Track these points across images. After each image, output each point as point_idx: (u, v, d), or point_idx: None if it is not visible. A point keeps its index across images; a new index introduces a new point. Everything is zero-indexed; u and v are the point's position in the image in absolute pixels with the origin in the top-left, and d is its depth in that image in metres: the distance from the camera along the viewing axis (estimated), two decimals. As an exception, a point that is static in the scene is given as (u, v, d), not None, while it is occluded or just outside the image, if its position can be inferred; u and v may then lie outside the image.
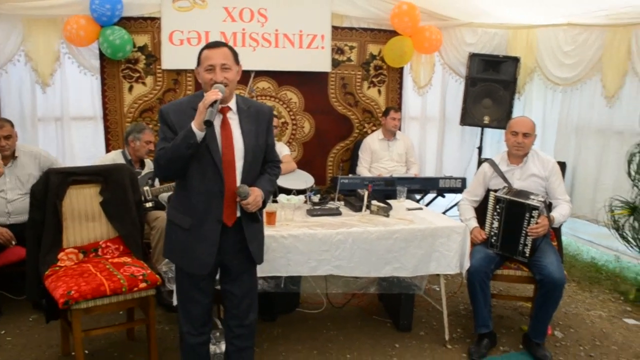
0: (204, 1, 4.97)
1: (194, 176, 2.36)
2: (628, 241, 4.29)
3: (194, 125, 2.22)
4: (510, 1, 5.12)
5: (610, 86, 4.69)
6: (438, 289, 4.01)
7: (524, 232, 3.19)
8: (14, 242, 3.54)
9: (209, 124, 2.20)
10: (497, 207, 3.26)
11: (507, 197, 3.22)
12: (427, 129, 5.78)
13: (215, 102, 2.22)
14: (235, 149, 2.37)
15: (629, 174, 4.20)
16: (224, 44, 2.39)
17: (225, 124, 2.38)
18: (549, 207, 3.37)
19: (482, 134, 5.47)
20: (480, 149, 5.43)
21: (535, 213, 3.13)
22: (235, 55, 2.39)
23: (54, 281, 2.85)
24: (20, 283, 3.42)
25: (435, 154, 5.82)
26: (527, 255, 3.23)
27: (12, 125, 3.75)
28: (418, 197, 4.84)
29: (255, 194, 2.39)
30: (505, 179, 3.46)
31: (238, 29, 5.04)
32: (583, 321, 3.88)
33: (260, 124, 2.49)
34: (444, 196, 4.77)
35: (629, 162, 4.18)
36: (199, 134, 2.23)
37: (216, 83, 2.29)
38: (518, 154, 3.52)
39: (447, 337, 3.44)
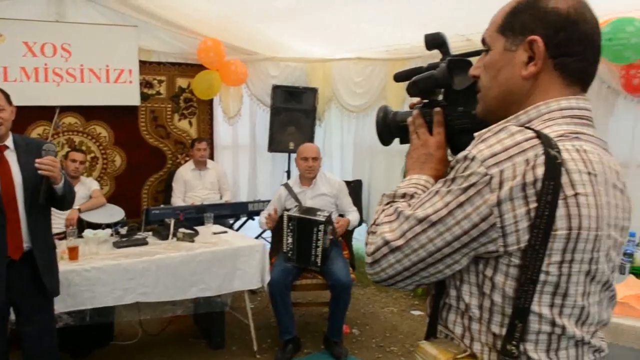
0: (1, 35, 4.80)
1: None
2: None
3: None
4: (307, 38, 5.69)
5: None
6: (252, 305, 4.32)
7: (314, 244, 3.62)
8: None
9: None
10: (290, 224, 3.65)
11: (297, 215, 3.63)
12: (239, 156, 6.10)
13: None
14: (15, 183, 2.44)
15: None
16: None
17: (2, 161, 2.44)
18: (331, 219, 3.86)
19: (289, 158, 5.92)
20: (288, 172, 5.88)
21: (321, 227, 3.57)
22: (7, 96, 2.48)
23: None
24: None
25: (248, 179, 6.16)
26: (319, 264, 3.66)
27: None
28: (231, 221, 5.12)
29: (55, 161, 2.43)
30: (297, 199, 3.89)
31: (40, 64, 4.94)
32: (377, 318, 4.43)
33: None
34: (253, 219, 5.11)
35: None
36: None
37: None
38: (309, 176, 3.98)
39: (255, 348, 3.73)
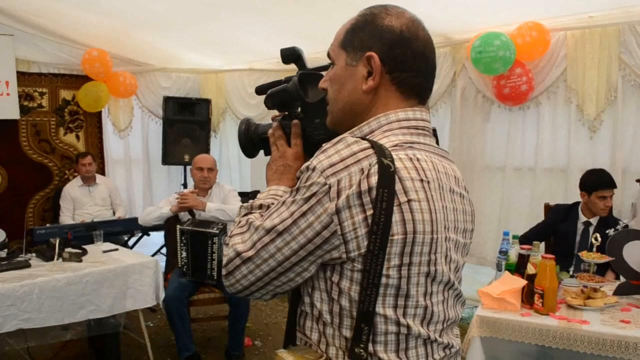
0: None
1: None
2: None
3: None
4: (198, 49, 5.62)
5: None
6: (151, 324, 4.19)
7: (209, 257, 3.56)
8: None
9: None
10: (183, 238, 3.58)
11: (190, 228, 3.57)
12: (132, 170, 5.91)
13: None
14: None
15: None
16: None
17: None
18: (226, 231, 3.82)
19: (184, 171, 5.81)
20: (185, 185, 5.76)
21: (215, 239, 3.52)
22: None
23: None
24: None
25: (143, 194, 5.97)
26: (215, 277, 3.61)
27: None
28: (125, 238, 4.93)
29: None
30: (191, 212, 3.81)
31: None
32: (280, 328, 4.43)
33: None
34: (148, 234, 4.95)
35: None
36: None
37: None
38: (204, 187, 3.92)
39: (154, 368, 3.61)
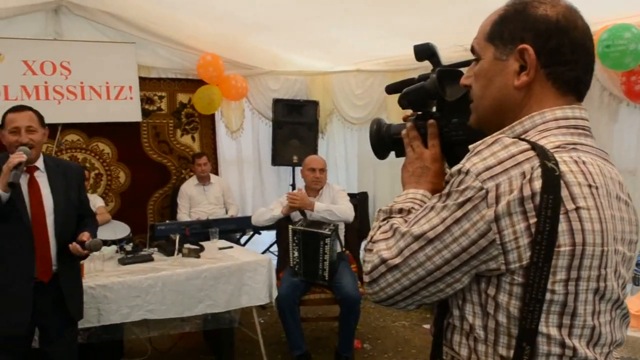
0: (1, 54, 4.79)
1: (2, 235, 2.35)
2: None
3: None
4: (306, 51, 5.69)
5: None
6: (261, 320, 4.27)
7: (320, 258, 3.56)
8: None
9: (13, 186, 2.22)
10: (295, 238, 3.60)
11: (301, 228, 3.58)
12: (244, 170, 6.07)
13: (19, 164, 2.25)
14: (45, 206, 2.42)
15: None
16: (29, 108, 2.43)
17: (33, 183, 2.41)
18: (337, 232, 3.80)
19: (293, 171, 5.89)
20: (293, 185, 5.84)
21: (327, 240, 3.51)
22: (40, 118, 2.45)
23: None
24: None
25: (254, 193, 6.11)
26: (326, 278, 3.60)
27: None
28: (237, 236, 5.07)
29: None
30: (302, 212, 3.83)
31: (40, 83, 4.92)
32: (389, 332, 4.36)
33: (70, 180, 2.55)
34: (260, 233, 5.06)
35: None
36: (4, 195, 2.24)
37: (21, 145, 2.33)
38: (316, 187, 3.93)
39: (265, 364, 3.67)
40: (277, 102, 5.76)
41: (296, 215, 3.85)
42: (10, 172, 2.23)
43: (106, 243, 3.88)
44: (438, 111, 1.15)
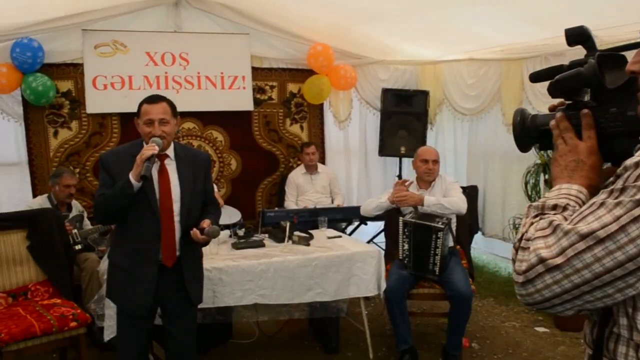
0: (126, 47, 5.10)
1: (132, 219, 2.47)
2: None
3: (131, 177, 2.34)
4: (416, 40, 5.56)
5: (509, 114, 5.10)
6: (366, 311, 4.24)
7: (432, 252, 3.46)
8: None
9: (145, 178, 2.32)
10: (405, 230, 3.52)
11: (413, 220, 3.49)
12: (350, 160, 6.07)
13: (152, 156, 2.34)
14: (173, 193, 2.50)
15: (527, 192, 4.59)
16: (163, 99, 2.50)
17: (163, 170, 2.51)
18: (450, 226, 3.67)
19: (400, 162, 5.80)
20: (400, 177, 5.76)
21: (440, 234, 3.41)
22: (173, 108, 2.52)
23: (-17, 325, 2.88)
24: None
25: (359, 183, 6.10)
26: (437, 273, 3.50)
27: None
28: (343, 225, 5.07)
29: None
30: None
31: (161, 73, 5.20)
32: (498, 332, 4.17)
33: (197, 169, 2.62)
34: (366, 224, 5.03)
35: (526, 184, 4.58)
36: (136, 185, 2.35)
37: (154, 137, 2.43)
38: (428, 179, 3.82)
39: (371, 355, 3.64)
40: (386, 92, 5.69)
41: (406, 207, 3.77)
42: (143, 164, 2.33)
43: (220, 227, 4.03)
44: (593, 100, 1.05)
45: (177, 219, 2.52)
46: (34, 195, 4.82)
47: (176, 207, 2.51)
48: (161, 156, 2.51)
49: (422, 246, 3.48)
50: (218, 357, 3.73)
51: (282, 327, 4.08)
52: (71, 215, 4.12)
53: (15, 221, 3.37)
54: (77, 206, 4.24)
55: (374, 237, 5.46)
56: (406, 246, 3.55)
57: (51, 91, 4.79)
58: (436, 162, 3.80)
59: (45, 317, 2.93)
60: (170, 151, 2.55)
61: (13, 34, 4.55)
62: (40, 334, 2.84)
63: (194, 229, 2.50)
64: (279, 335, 4.04)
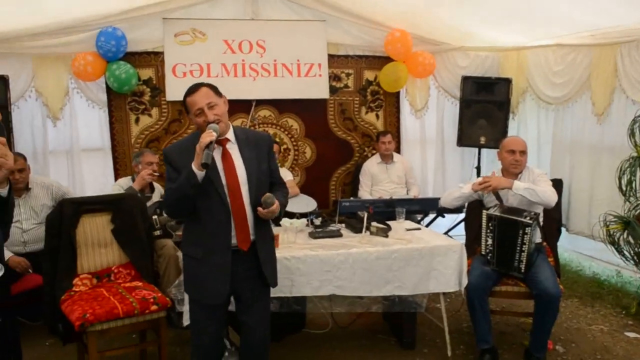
0: (204, 35, 5.17)
1: (200, 207, 2.46)
2: (625, 255, 4.35)
3: (194, 166, 2.33)
4: (498, 25, 5.29)
5: (600, 104, 4.80)
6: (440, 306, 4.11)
7: (518, 248, 3.29)
8: (30, 270, 3.68)
9: (206, 166, 2.30)
10: (490, 224, 3.37)
11: (498, 214, 3.33)
12: (426, 150, 5.91)
13: (210, 143, 2.33)
14: (239, 176, 2.48)
15: (621, 188, 4.29)
16: (201, 84, 2.47)
17: (225, 154, 2.50)
18: (538, 221, 3.48)
19: (479, 153, 5.59)
20: (478, 168, 5.55)
21: (527, 230, 3.23)
22: (215, 89, 2.48)
23: (69, 305, 2.99)
24: (37, 309, 3.57)
25: (435, 174, 5.94)
26: (522, 270, 3.33)
27: (25, 158, 3.92)
28: (419, 217, 4.94)
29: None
30: (498, 197, 3.57)
31: (238, 60, 5.23)
32: (584, 336, 3.93)
33: (260, 150, 2.59)
34: (444, 216, 4.88)
35: (620, 178, 4.28)
36: (200, 174, 2.34)
37: (209, 123, 2.41)
38: (515, 171, 3.62)
39: (449, 353, 3.52)
40: (465, 80, 5.48)
41: (490, 201, 3.60)
42: (203, 152, 2.31)
43: (295, 216, 4.01)
44: None
45: (247, 201, 2.49)
46: (116, 180, 4.99)
47: (244, 189, 2.48)
48: (222, 141, 2.48)
49: (508, 242, 3.32)
50: (293, 346, 3.72)
51: (355, 319, 4.03)
52: (154, 198, 4.23)
53: (101, 204, 3.47)
54: (159, 189, 4.35)
55: (449, 230, 5.29)
56: (490, 241, 3.39)
57: (133, 79, 4.93)
58: (524, 153, 3.60)
59: (128, 300, 3.00)
60: (230, 135, 2.53)
61: (98, 23, 4.70)
62: (122, 316, 2.92)
63: (258, 207, 2.46)
64: (352, 327, 3.98)
